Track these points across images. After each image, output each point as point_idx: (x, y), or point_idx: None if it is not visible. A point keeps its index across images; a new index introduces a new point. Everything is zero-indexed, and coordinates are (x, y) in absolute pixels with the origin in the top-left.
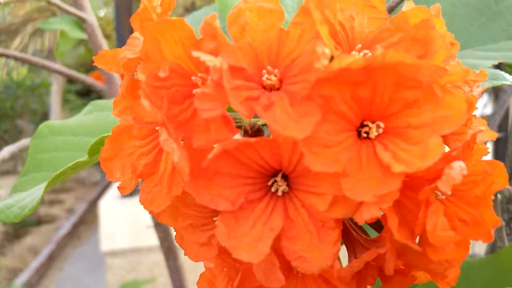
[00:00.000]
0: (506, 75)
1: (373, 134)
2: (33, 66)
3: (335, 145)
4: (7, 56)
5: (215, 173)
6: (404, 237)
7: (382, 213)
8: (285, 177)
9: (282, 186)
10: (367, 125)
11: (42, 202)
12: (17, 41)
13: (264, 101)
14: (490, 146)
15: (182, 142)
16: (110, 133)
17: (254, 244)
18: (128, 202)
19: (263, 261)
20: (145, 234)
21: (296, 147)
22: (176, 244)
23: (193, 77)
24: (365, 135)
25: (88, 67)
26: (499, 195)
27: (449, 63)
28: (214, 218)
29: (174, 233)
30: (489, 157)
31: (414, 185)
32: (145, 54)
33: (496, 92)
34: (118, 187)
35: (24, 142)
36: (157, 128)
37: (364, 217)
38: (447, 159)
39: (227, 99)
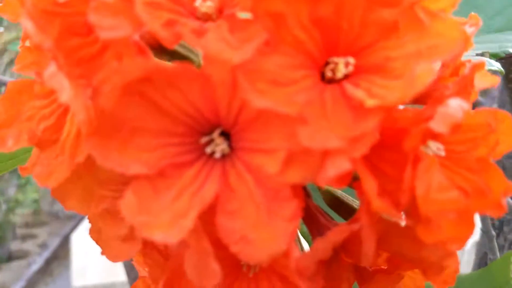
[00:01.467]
0: (492, 61)
1: (341, 72)
2: None
3: (289, 83)
4: None
5: (131, 131)
6: (386, 206)
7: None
8: (225, 135)
9: (220, 146)
10: (333, 62)
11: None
12: None
13: (194, 26)
14: None
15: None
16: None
17: (175, 221)
18: None
19: (193, 250)
20: (118, 269)
21: (236, 89)
22: None
23: None
24: (330, 74)
25: None
26: None
27: None
28: None
29: None
30: None
31: (396, 143)
32: None
33: (473, 106)
34: (19, 168)
35: None
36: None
37: (329, 173)
38: (439, 102)
39: (139, 17)
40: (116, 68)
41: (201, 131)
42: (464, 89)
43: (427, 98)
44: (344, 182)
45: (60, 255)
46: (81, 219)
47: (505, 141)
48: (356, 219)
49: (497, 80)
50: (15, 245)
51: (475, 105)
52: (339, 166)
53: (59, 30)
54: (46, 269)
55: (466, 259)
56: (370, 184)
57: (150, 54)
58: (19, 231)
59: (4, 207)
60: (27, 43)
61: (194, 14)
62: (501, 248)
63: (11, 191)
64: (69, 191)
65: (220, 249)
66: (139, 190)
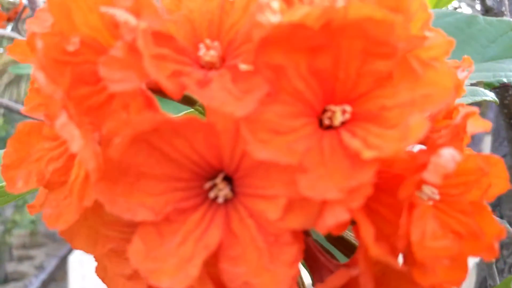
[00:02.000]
0: (486, 91)
1: (338, 120)
2: (8, 118)
3: (289, 131)
4: None
5: (136, 176)
6: (383, 253)
7: (353, 225)
8: (228, 180)
9: (223, 191)
10: (330, 110)
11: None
12: None
13: (199, 76)
14: None
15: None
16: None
17: (181, 266)
18: None
19: None
20: None
21: (239, 137)
22: None
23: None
24: (328, 122)
25: None
26: None
27: (428, 28)
28: None
29: None
30: None
31: (392, 188)
32: (52, 24)
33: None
34: (27, 206)
35: None
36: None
37: (327, 222)
38: (432, 151)
39: (146, 69)
40: (126, 120)
41: (205, 176)
42: (456, 136)
43: (422, 139)
44: (342, 229)
45: (57, 277)
46: None
47: (498, 184)
48: (354, 262)
49: (489, 125)
50: (11, 267)
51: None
52: (338, 216)
53: (69, 79)
54: None
55: (467, 281)
56: (367, 231)
57: (158, 106)
58: (16, 252)
59: (1, 228)
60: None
61: (198, 62)
62: (500, 272)
63: (8, 212)
64: (76, 231)
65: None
66: (145, 236)
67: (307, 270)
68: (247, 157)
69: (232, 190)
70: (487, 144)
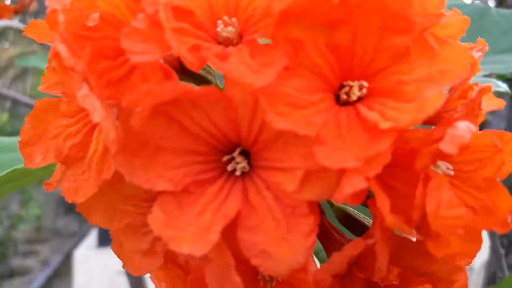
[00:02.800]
0: (499, 82)
1: (355, 95)
2: (13, 113)
3: (307, 105)
4: None
5: (155, 149)
6: (398, 222)
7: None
8: (245, 154)
9: (241, 164)
10: (348, 85)
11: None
12: None
13: (218, 50)
14: None
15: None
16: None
17: (200, 235)
18: (104, 252)
19: (215, 263)
20: (121, 286)
21: (257, 110)
22: None
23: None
24: (345, 97)
25: None
26: None
27: (444, 6)
28: None
29: (147, 279)
30: None
31: (408, 163)
32: (72, 1)
33: (481, 126)
34: (44, 184)
35: None
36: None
37: (345, 191)
38: (448, 125)
39: (166, 42)
40: (147, 90)
41: (223, 150)
42: (472, 112)
43: (437, 119)
44: (359, 199)
45: (62, 272)
46: (83, 236)
47: (511, 161)
48: (370, 234)
49: (503, 103)
50: (16, 262)
51: (483, 124)
52: (355, 184)
53: (90, 53)
54: (47, 286)
55: (474, 279)
56: (383, 201)
57: (176, 77)
58: (21, 248)
59: (6, 223)
60: (53, 64)
61: (216, 38)
62: (511, 267)
63: (14, 207)
64: (94, 206)
65: (239, 263)
66: (165, 206)
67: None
68: (265, 131)
69: (249, 163)
70: None
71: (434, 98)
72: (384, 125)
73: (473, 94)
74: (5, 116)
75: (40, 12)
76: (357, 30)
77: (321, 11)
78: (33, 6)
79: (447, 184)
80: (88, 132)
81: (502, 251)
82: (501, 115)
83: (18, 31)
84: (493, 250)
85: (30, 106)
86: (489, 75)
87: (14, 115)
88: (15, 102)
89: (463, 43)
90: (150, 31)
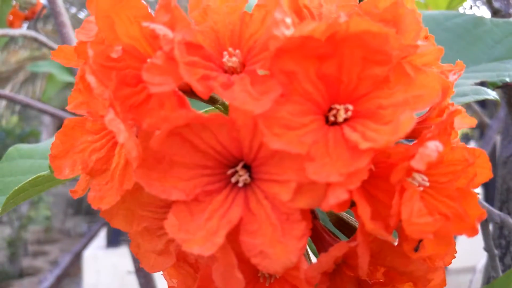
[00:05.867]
0: (489, 90)
1: (341, 117)
2: (23, 115)
3: (299, 127)
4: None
5: (170, 164)
6: (377, 227)
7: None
8: (247, 168)
9: (243, 177)
10: (335, 108)
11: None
12: (8, 88)
13: (223, 80)
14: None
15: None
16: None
17: (208, 238)
18: (113, 252)
19: (221, 262)
20: (130, 285)
21: (256, 131)
22: None
23: (148, 60)
24: (333, 118)
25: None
26: (490, 224)
27: (420, 37)
28: None
29: (156, 279)
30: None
31: (387, 175)
32: (97, 33)
33: (481, 128)
34: (70, 191)
35: None
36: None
37: (330, 201)
38: (422, 143)
39: (180, 74)
40: (165, 116)
41: (228, 165)
42: (444, 131)
43: (417, 134)
44: (343, 208)
45: (71, 273)
46: (92, 237)
47: (482, 174)
48: (354, 238)
49: (474, 122)
50: (26, 262)
51: (484, 127)
52: (339, 196)
53: (115, 82)
54: (57, 287)
55: (477, 279)
56: (364, 210)
57: (189, 104)
58: (31, 248)
59: (16, 223)
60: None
61: (222, 67)
62: (508, 267)
63: (24, 208)
64: (115, 212)
65: (241, 262)
66: (178, 213)
67: (312, 252)
68: (263, 149)
69: (251, 176)
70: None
71: (406, 122)
72: (364, 145)
73: (445, 116)
74: (14, 119)
75: (50, 16)
76: (343, 61)
77: (311, 47)
78: (44, 11)
79: (418, 195)
80: (111, 147)
81: (497, 252)
82: (500, 118)
83: (31, 38)
84: (487, 251)
85: (39, 110)
86: (481, 83)
87: (23, 118)
88: (25, 105)
89: (444, 65)
90: (167, 66)
